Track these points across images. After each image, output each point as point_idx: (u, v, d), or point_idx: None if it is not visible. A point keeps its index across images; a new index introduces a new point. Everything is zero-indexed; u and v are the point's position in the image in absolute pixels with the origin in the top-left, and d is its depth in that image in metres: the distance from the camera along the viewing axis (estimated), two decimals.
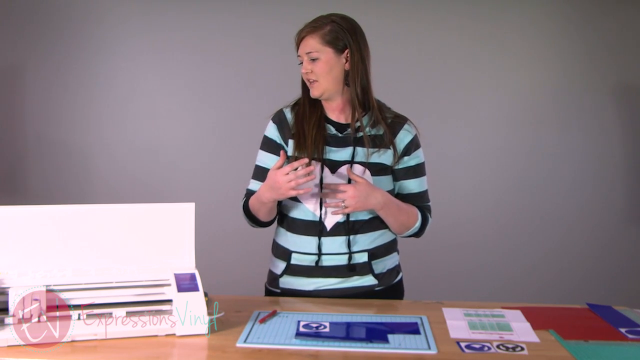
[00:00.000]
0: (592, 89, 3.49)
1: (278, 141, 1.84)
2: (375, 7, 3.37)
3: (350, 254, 1.77)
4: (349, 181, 1.74)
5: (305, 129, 1.78)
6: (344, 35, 1.76)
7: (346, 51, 1.77)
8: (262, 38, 3.43)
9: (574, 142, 3.51)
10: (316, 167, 1.75)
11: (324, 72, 1.75)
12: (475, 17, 3.45)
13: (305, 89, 1.83)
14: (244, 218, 1.87)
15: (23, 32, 3.46)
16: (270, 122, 1.87)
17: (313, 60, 1.75)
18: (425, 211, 1.85)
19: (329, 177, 1.76)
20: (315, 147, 1.75)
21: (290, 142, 1.81)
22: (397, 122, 1.83)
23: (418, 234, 1.85)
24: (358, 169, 1.76)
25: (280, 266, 1.84)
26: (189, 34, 3.46)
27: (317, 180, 1.75)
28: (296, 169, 1.63)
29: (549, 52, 3.48)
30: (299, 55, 1.80)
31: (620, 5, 3.45)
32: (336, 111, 1.83)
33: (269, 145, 1.85)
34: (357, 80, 1.77)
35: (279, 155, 1.82)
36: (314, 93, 1.78)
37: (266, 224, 1.88)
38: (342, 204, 1.68)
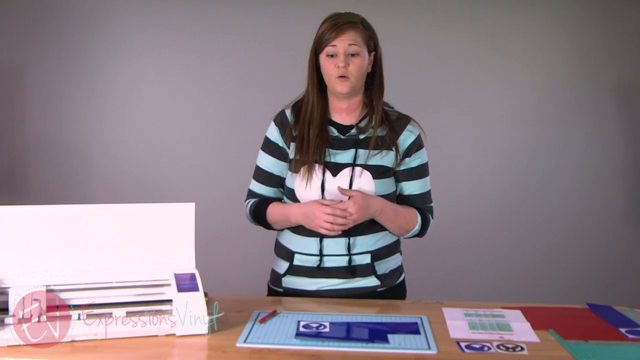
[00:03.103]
0: (593, 88, 3.49)
1: (280, 144, 1.83)
2: (376, 7, 3.36)
3: (350, 255, 1.77)
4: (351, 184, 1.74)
5: (310, 132, 1.76)
6: (373, 36, 1.77)
7: (372, 53, 1.77)
8: (262, 38, 3.43)
9: (575, 142, 3.51)
10: (318, 170, 1.75)
11: (360, 70, 1.73)
12: (476, 16, 3.45)
13: (314, 86, 1.78)
14: (248, 218, 1.88)
15: (23, 32, 3.46)
16: (272, 123, 1.85)
17: (352, 55, 1.71)
18: (425, 213, 1.84)
19: (330, 181, 1.75)
20: (317, 150, 1.75)
21: (292, 144, 1.80)
22: (400, 122, 1.82)
23: (419, 235, 1.85)
24: (358, 171, 1.75)
25: (283, 266, 1.84)
26: (189, 33, 3.46)
27: (319, 183, 1.75)
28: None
29: (550, 52, 3.48)
30: (333, 45, 1.70)
31: (622, 6, 3.45)
32: (343, 112, 1.81)
33: (270, 148, 1.85)
34: (382, 84, 1.79)
35: (279, 157, 1.83)
36: (344, 89, 1.72)
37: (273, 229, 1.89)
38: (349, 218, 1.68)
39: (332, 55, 1.71)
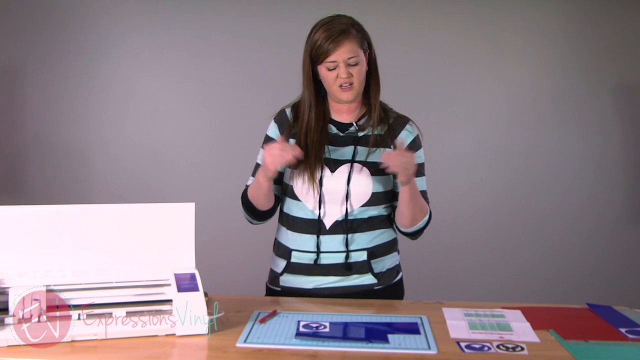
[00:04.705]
0: (592, 88, 3.49)
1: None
2: (375, 7, 3.37)
3: (348, 252, 1.77)
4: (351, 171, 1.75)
5: (308, 137, 1.77)
6: (366, 36, 1.77)
7: (367, 52, 1.77)
8: (262, 37, 3.43)
9: (574, 142, 3.51)
10: (317, 167, 1.76)
11: (362, 75, 1.74)
12: (475, 16, 3.45)
13: (311, 94, 1.78)
14: (243, 213, 1.88)
15: (23, 32, 3.46)
16: (272, 121, 1.87)
17: (352, 65, 1.71)
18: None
19: (328, 177, 1.76)
20: (316, 151, 1.76)
21: (292, 141, 1.81)
22: (398, 122, 1.83)
23: (418, 233, 1.85)
24: (357, 168, 1.76)
25: (280, 264, 1.85)
26: (189, 33, 3.46)
27: (317, 180, 1.76)
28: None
29: (549, 52, 3.48)
30: (333, 61, 1.69)
31: (621, 6, 3.45)
32: (343, 112, 1.82)
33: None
34: (378, 80, 1.80)
35: None
36: (350, 97, 1.74)
37: (264, 217, 1.87)
38: (406, 167, 1.63)
39: (332, 69, 1.72)
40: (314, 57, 1.74)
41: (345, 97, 1.74)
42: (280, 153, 1.64)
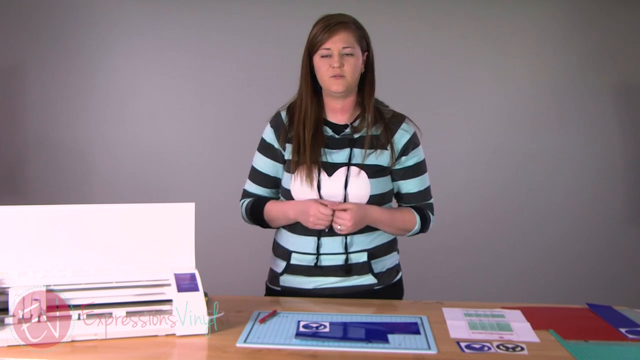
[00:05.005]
0: (593, 89, 3.49)
1: (275, 145, 1.84)
2: (374, 6, 3.37)
3: (347, 254, 1.77)
4: (346, 184, 1.75)
5: (305, 133, 1.77)
6: (366, 36, 1.78)
7: (365, 53, 1.77)
8: (262, 38, 3.43)
9: (574, 142, 3.51)
10: (314, 170, 1.76)
11: (355, 69, 1.73)
12: (476, 16, 3.45)
13: (308, 87, 1.79)
14: (243, 217, 1.90)
15: (23, 32, 3.46)
16: (268, 125, 1.86)
17: (346, 55, 1.71)
18: (425, 210, 1.85)
19: (325, 180, 1.76)
20: (312, 151, 1.75)
21: (288, 146, 1.81)
22: (394, 121, 1.82)
23: (422, 232, 1.85)
24: (354, 171, 1.76)
25: (280, 265, 1.85)
26: (189, 33, 3.46)
27: (315, 183, 1.75)
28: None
29: (549, 52, 3.48)
30: (327, 48, 1.70)
31: (621, 6, 3.45)
32: (338, 112, 1.81)
33: (265, 149, 1.86)
34: (374, 83, 1.79)
35: (274, 159, 1.84)
36: (339, 88, 1.72)
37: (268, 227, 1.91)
38: (338, 227, 1.71)
39: (326, 56, 1.72)
40: (311, 48, 1.75)
41: (335, 88, 1.73)
42: (327, 219, 1.69)
